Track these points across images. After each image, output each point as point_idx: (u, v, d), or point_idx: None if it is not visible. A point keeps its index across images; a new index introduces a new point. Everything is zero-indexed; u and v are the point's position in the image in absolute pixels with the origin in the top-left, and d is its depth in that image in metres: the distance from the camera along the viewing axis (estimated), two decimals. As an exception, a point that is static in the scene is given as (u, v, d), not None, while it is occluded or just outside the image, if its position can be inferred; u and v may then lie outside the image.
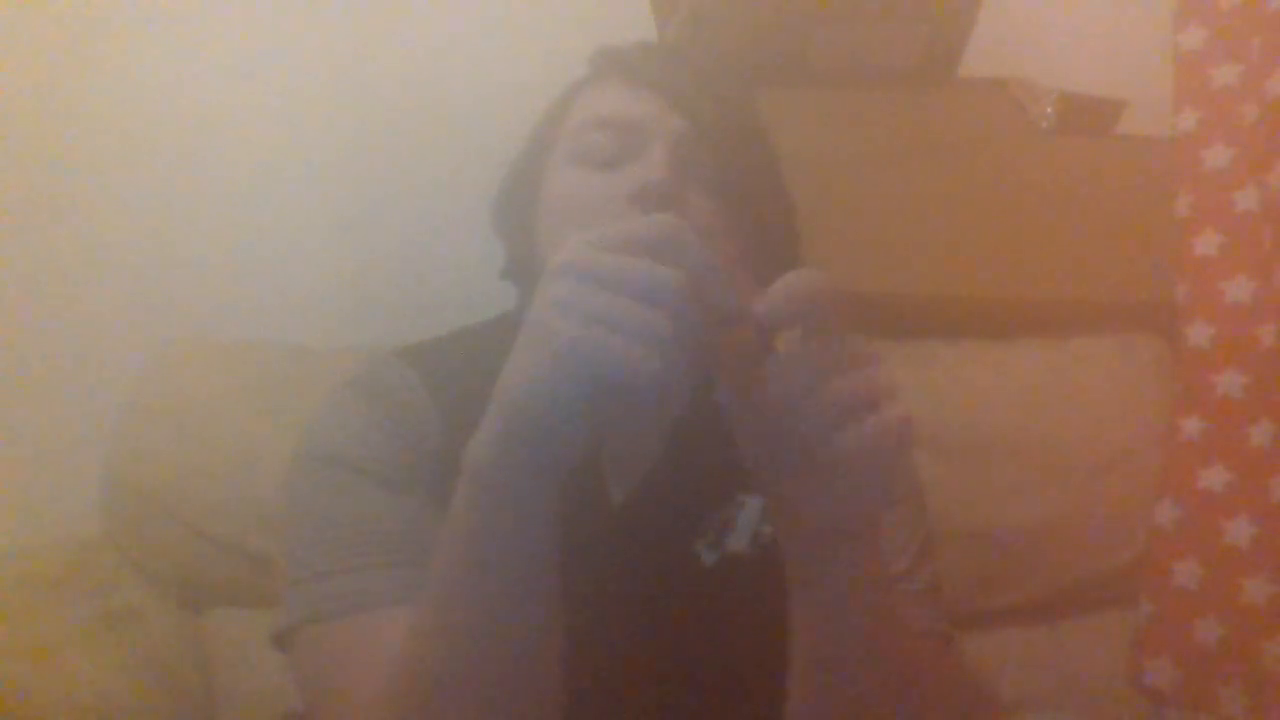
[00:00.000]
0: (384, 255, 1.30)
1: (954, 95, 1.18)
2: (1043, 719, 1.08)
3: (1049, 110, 1.16)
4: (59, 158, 1.29)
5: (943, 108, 1.16)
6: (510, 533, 0.51)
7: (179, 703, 1.01)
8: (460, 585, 0.52)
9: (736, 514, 0.71)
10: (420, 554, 0.59)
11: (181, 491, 1.08)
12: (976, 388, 1.13)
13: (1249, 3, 1.13)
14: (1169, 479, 1.11)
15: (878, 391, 0.46)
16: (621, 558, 0.69)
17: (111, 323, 1.28)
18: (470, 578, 0.52)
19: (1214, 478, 1.08)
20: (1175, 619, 1.08)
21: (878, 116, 1.15)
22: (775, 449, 0.47)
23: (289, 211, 1.30)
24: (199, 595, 1.11)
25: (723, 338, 0.47)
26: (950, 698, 0.70)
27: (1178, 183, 1.15)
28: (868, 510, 0.51)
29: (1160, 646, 1.09)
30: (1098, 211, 1.15)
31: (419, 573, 0.56)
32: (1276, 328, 1.06)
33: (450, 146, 1.26)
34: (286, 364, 1.14)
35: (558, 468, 0.50)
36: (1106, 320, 1.17)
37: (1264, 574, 1.03)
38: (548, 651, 0.53)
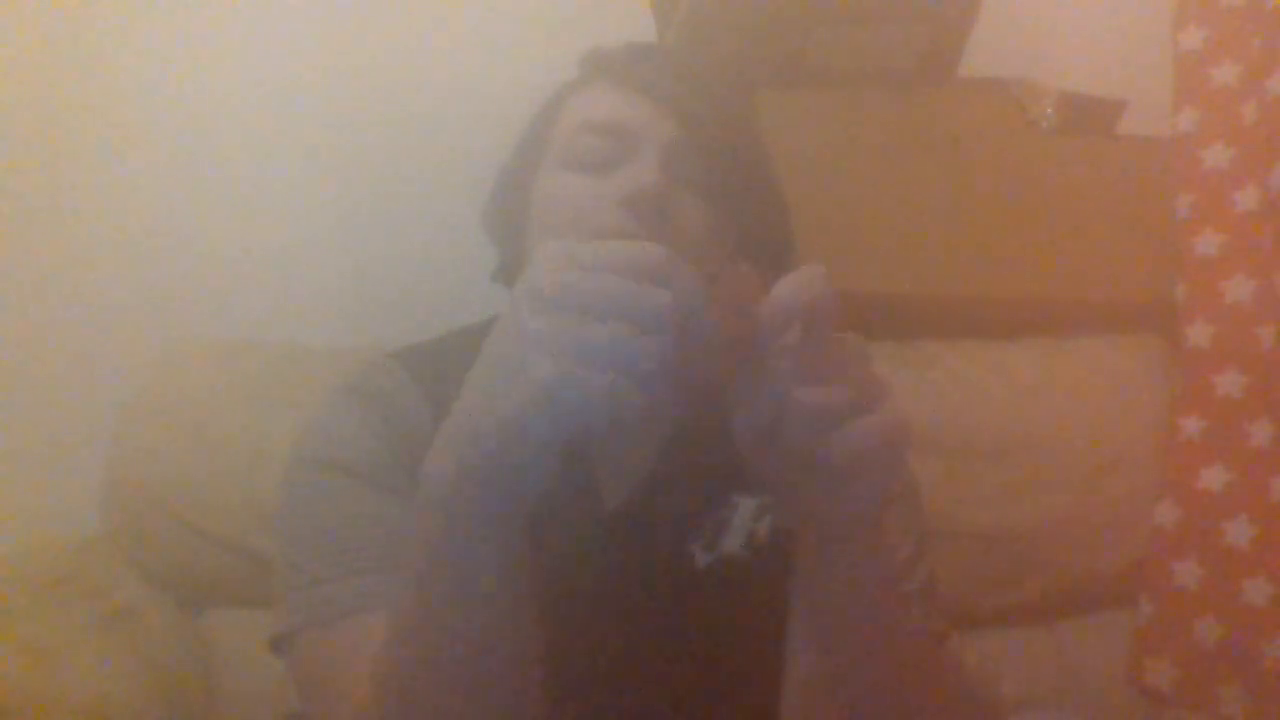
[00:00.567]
0: (383, 255, 1.30)
1: (954, 95, 1.18)
2: (1042, 719, 1.08)
3: (1049, 110, 1.16)
4: (59, 157, 1.29)
5: (943, 108, 1.16)
6: (474, 559, 0.49)
7: (179, 703, 1.01)
8: (427, 600, 0.51)
9: (731, 516, 0.71)
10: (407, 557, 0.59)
11: (181, 491, 1.08)
12: (976, 388, 1.13)
13: (1249, 3, 1.13)
14: (1169, 479, 1.11)
15: (871, 394, 0.46)
16: (616, 560, 0.69)
17: (111, 323, 1.28)
18: (436, 594, 0.51)
19: (1214, 478, 1.08)
20: (1175, 619, 1.08)
21: (878, 116, 1.15)
22: (771, 449, 0.47)
23: (288, 212, 1.30)
24: (199, 595, 1.11)
25: (724, 334, 0.46)
26: (948, 697, 0.70)
27: (1178, 183, 1.15)
28: (863, 512, 0.51)
29: (1160, 646, 1.09)
30: (1098, 211, 1.15)
31: None
32: (1276, 328, 1.06)
33: (450, 147, 1.26)
34: (286, 364, 1.14)
35: (525, 499, 0.48)
36: (1106, 320, 1.17)
37: (1264, 574, 1.03)
38: (519, 660, 0.53)
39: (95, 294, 1.29)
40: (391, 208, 1.30)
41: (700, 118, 0.71)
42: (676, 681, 0.69)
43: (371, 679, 0.55)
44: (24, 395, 1.27)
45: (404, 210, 1.30)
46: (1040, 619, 1.13)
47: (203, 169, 1.30)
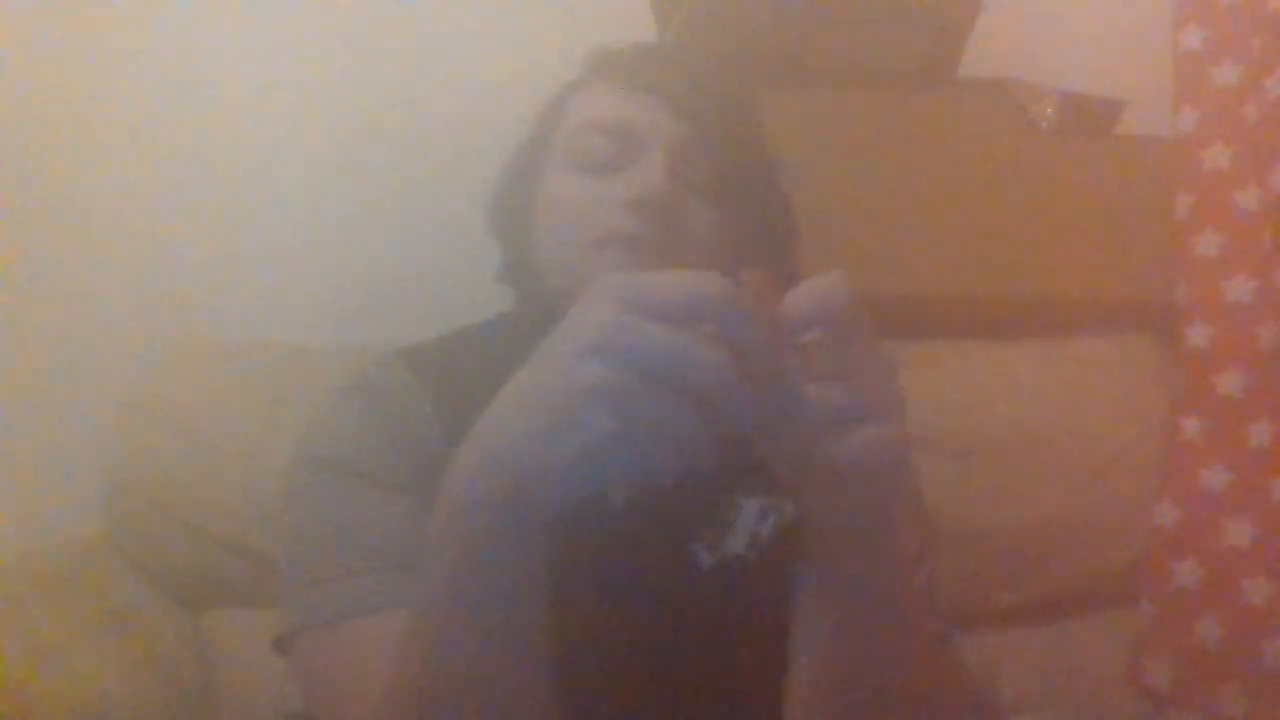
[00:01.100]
0: (384, 255, 1.30)
1: (954, 95, 1.18)
2: (1043, 719, 1.08)
3: (1049, 110, 1.16)
4: (59, 157, 1.29)
5: (943, 108, 1.16)
6: (493, 565, 0.49)
7: (179, 703, 1.01)
8: (444, 601, 0.51)
9: (734, 517, 0.71)
10: (419, 557, 0.59)
11: (181, 491, 1.08)
12: (976, 388, 1.13)
13: (1249, 3, 1.13)
14: (1169, 479, 1.11)
15: (878, 405, 0.46)
16: (620, 560, 0.69)
17: (111, 323, 1.28)
18: (453, 597, 0.51)
19: (1214, 478, 1.08)
20: (1175, 619, 1.08)
21: (878, 116, 1.15)
22: (774, 444, 0.47)
23: (289, 212, 1.30)
24: (199, 595, 1.11)
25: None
26: (949, 697, 0.70)
27: (1178, 183, 1.15)
28: (859, 515, 0.51)
29: (1160, 646, 1.09)
30: (1098, 211, 1.15)
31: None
32: (1276, 328, 1.06)
33: (450, 146, 1.26)
34: (286, 364, 1.14)
35: (553, 517, 0.48)
36: (1106, 320, 1.17)
37: (1264, 574, 1.03)
38: (533, 664, 0.53)
39: (95, 294, 1.29)
40: (394, 207, 1.30)
41: (706, 118, 0.70)
42: (680, 682, 0.69)
43: (387, 678, 0.55)
44: (24, 395, 1.27)
45: (406, 210, 1.30)
46: (1040, 619, 1.13)
47: (204, 169, 1.30)
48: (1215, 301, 1.11)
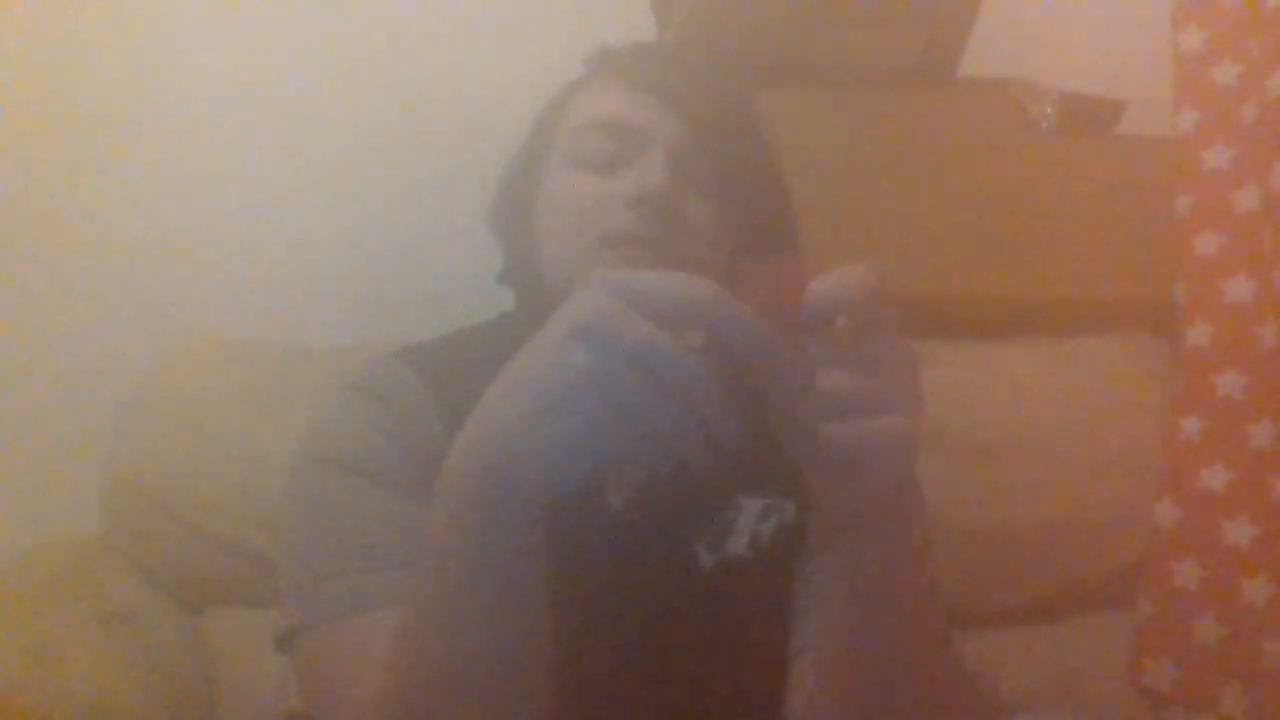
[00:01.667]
0: (384, 255, 1.30)
1: (954, 95, 1.18)
2: (1043, 719, 1.08)
3: (1049, 110, 1.16)
4: (59, 157, 1.29)
5: (943, 108, 1.16)
6: (487, 545, 0.49)
7: (179, 703, 1.01)
8: (441, 596, 0.51)
9: (735, 516, 0.71)
10: (421, 555, 0.59)
11: (181, 491, 1.08)
12: (976, 388, 1.13)
13: (1249, 3, 1.13)
14: (1169, 479, 1.11)
15: (887, 396, 0.46)
16: (621, 560, 0.69)
17: (111, 323, 1.28)
18: (450, 590, 0.51)
19: (1214, 478, 1.08)
20: (1175, 619, 1.08)
21: (878, 116, 1.15)
22: (784, 427, 0.47)
23: (289, 211, 1.30)
24: (199, 595, 1.11)
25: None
26: (950, 697, 0.70)
27: (1178, 183, 1.15)
28: (863, 505, 0.51)
29: (1160, 646, 1.09)
30: (1098, 211, 1.15)
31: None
32: (1276, 328, 1.06)
33: (451, 146, 1.26)
34: (286, 364, 1.14)
35: (549, 506, 0.49)
36: (1106, 320, 1.17)
37: (1264, 574, 1.03)
38: (532, 658, 0.53)
39: (95, 294, 1.29)
40: (396, 207, 1.30)
41: (707, 117, 0.71)
42: (680, 681, 0.69)
43: (385, 674, 0.55)
44: (24, 395, 1.27)
45: (408, 209, 1.30)
46: (1040, 619, 1.13)
47: (204, 168, 1.30)
48: (1215, 301, 1.11)
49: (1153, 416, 1.13)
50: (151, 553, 1.10)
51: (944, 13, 1.14)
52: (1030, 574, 1.11)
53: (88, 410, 1.20)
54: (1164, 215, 1.16)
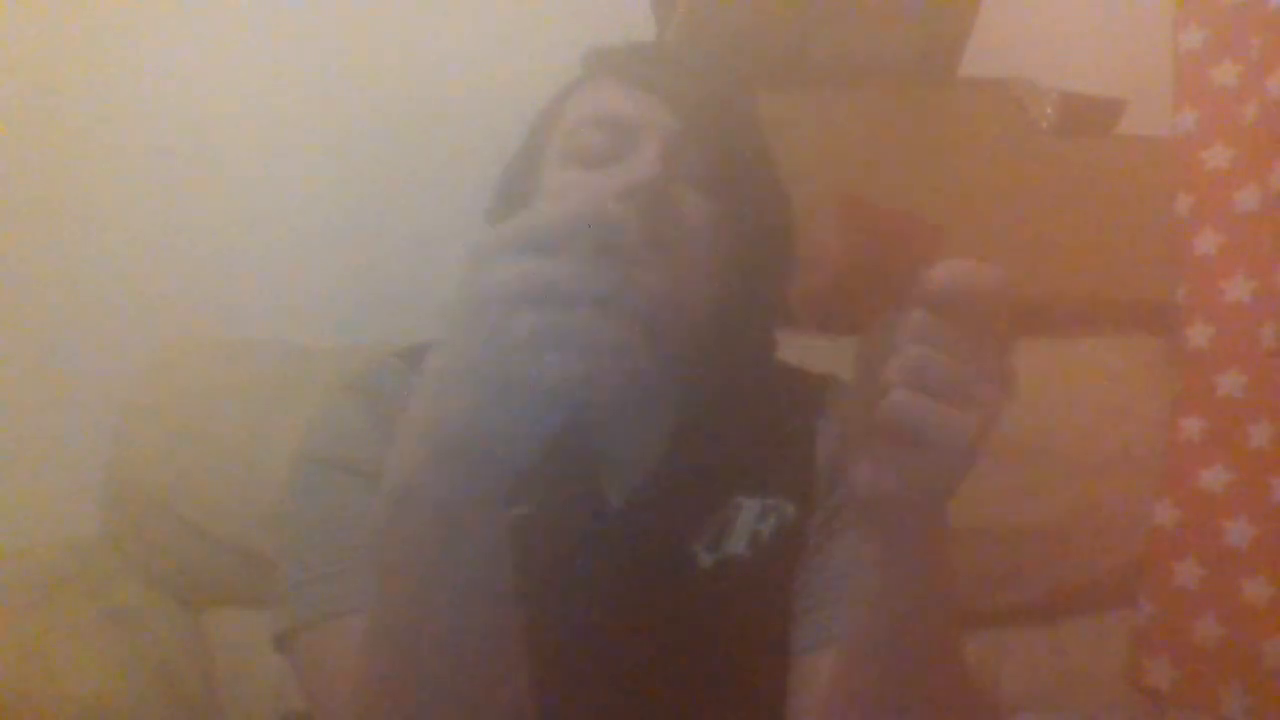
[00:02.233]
0: (384, 255, 1.30)
1: (954, 95, 1.17)
2: (1043, 719, 1.08)
3: (1049, 110, 1.15)
4: (58, 157, 1.29)
5: (943, 108, 1.16)
6: (446, 548, 0.49)
7: (179, 703, 1.01)
8: (399, 591, 0.51)
9: (734, 517, 0.71)
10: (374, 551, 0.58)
11: (181, 491, 1.08)
12: (976, 388, 1.13)
13: (1249, 3, 1.13)
14: (1169, 479, 1.11)
15: (968, 391, 0.45)
16: (619, 559, 0.69)
17: (111, 323, 1.28)
18: (412, 590, 0.50)
19: (1214, 478, 1.08)
20: (1175, 619, 1.08)
21: (878, 116, 1.15)
22: (860, 393, 0.47)
23: (289, 211, 1.30)
24: (199, 595, 1.11)
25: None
26: (954, 695, 0.70)
27: (1178, 183, 1.15)
28: (909, 490, 0.50)
29: (1160, 646, 1.08)
30: (1098, 211, 1.15)
31: None
32: (1276, 328, 1.06)
33: (451, 146, 1.26)
34: (286, 364, 1.14)
35: (501, 488, 0.48)
36: (1107, 320, 1.17)
37: (1264, 574, 1.03)
38: (498, 654, 0.53)
39: (95, 294, 1.29)
40: (394, 206, 1.30)
41: (701, 112, 0.70)
42: (679, 681, 0.69)
43: (354, 675, 0.54)
44: (24, 395, 1.27)
45: (407, 209, 1.30)
46: (1040, 619, 1.13)
47: (203, 168, 1.30)
48: (1215, 301, 1.11)
49: (1153, 416, 1.13)
50: (151, 553, 1.10)
51: (944, 13, 1.13)
52: (1030, 574, 1.11)
53: (88, 410, 1.20)
54: (1164, 215, 1.15)
